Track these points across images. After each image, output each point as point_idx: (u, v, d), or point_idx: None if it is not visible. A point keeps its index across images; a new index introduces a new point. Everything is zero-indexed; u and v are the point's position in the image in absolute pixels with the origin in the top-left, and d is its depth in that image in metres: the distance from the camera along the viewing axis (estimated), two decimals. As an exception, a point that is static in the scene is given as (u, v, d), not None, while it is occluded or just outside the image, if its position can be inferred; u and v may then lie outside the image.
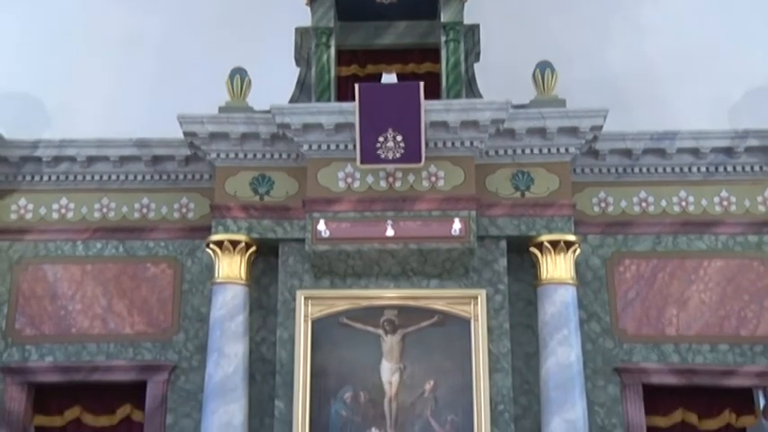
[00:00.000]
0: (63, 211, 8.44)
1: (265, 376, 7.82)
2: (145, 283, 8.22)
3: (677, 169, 8.33)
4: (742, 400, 8.08)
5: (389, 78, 8.69)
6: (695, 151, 8.24)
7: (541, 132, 7.87)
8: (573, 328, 7.58)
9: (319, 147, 7.83)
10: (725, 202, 8.33)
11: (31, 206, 8.48)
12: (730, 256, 8.20)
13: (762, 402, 8.06)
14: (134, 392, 8.00)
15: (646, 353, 7.96)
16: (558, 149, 7.93)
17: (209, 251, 7.86)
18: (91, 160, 8.38)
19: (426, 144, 7.63)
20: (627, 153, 8.24)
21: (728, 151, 8.24)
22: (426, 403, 7.52)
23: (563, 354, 7.48)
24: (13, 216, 8.46)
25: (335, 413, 7.51)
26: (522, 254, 7.92)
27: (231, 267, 7.73)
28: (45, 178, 8.47)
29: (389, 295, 7.79)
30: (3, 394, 7.95)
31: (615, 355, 7.95)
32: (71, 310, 8.17)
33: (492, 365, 7.55)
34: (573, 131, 7.87)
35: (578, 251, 7.85)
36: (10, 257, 8.35)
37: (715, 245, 8.23)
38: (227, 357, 7.51)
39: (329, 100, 8.28)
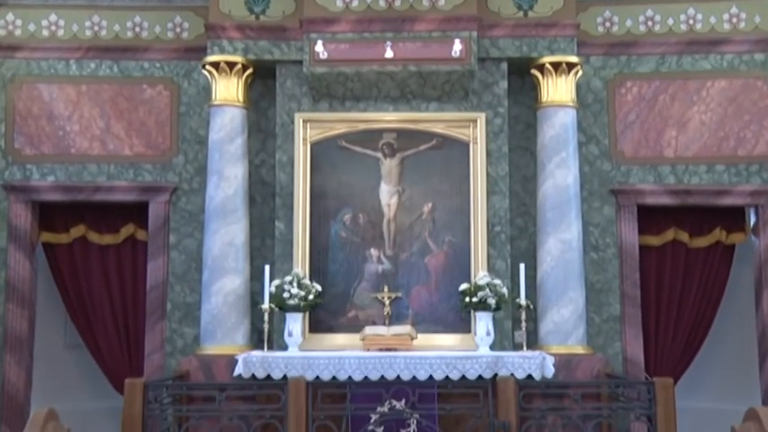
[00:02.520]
0: (53, 28, 8.22)
1: (265, 198, 7.92)
2: (142, 104, 8.14)
3: (687, -16, 8.06)
4: (733, 218, 8.25)
5: None
6: (708, -38, 7.94)
7: (547, -55, 7.55)
8: (571, 151, 7.60)
9: (315, -39, 7.52)
10: (734, 19, 8.10)
11: (19, 22, 8.24)
12: (734, 75, 8.09)
13: (752, 220, 8.21)
14: (137, 212, 8.14)
15: (642, 174, 8.03)
16: (563, -37, 7.63)
17: (206, 72, 7.72)
18: (76, -27, 8.09)
19: (427, -40, 7.34)
20: (636, -33, 7.95)
21: (743, -39, 7.94)
22: (424, 225, 7.66)
23: (560, 176, 7.55)
24: (2, 32, 8.23)
25: (335, 234, 7.68)
26: (522, 76, 7.81)
27: (228, 89, 7.63)
28: (31, -7, 8.21)
29: (388, 118, 7.74)
30: (8, 212, 8.08)
31: (612, 177, 8.02)
32: (69, 131, 8.14)
33: (490, 188, 7.64)
34: (580, -57, 7.56)
35: (580, 73, 7.72)
36: (3, 75, 8.21)
37: (720, 64, 8.09)
38: (227, 180, 7.57)
39: None
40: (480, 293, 7.10)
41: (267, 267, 7.30)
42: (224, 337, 7.41)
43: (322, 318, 7.53)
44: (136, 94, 8.15)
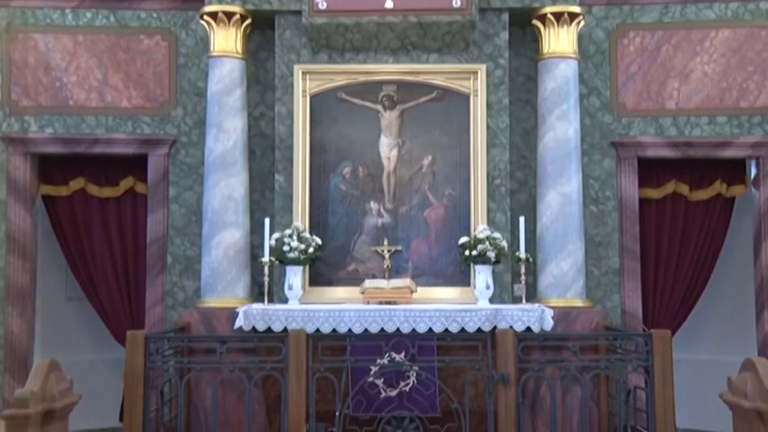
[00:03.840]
0: (48, -25, 8.12)
1: (265, 151, 7.89)
2: (139, 55, 8.06)
3: (694, -70, 7.92)
4: (733, 170, 8.22)
5: None
6: None
7: None
8: (572, 103, 7.54)
9: None
10: (739, -33, 8.00)
11: (13, -31, 8.14)
12: (739, 25, 7.99)
13: (753, 172, 8.19)
14: (136, 165, 8.11)
15: (644, 127, 7.98)
16: None
17: (204, 23, 7.62)
18: None
19: None
20: None
21: None
22: (424, 178, 7.63)
23: (561, 129, 7.49)
24: (-4, -20, 8.14)
25: (335, 187, 7.65)
26: (524, 27, 7.72)
27: (227, 40, 7.54)
28: (22, -62, 8.06)
29: (388, 70, 7.65)
30: (7, 164, 8.05)
31: (613, 130, 7.97)
32: (66, 82, 8.07)
33: (490, 141, 7.59)
34: None
35: (582, 23, 7.62)
36: (-3, 24, 8.15)
37: (724, 13, 7.99)
38: (227, 132, 7.52)
39: None
40: (480, 247, 7.10)
41: (267, 220, 7.28)
42: (224, 290, 7.43)
43: (322, 271, 7.54)
44: (133, 45, 8.06)
